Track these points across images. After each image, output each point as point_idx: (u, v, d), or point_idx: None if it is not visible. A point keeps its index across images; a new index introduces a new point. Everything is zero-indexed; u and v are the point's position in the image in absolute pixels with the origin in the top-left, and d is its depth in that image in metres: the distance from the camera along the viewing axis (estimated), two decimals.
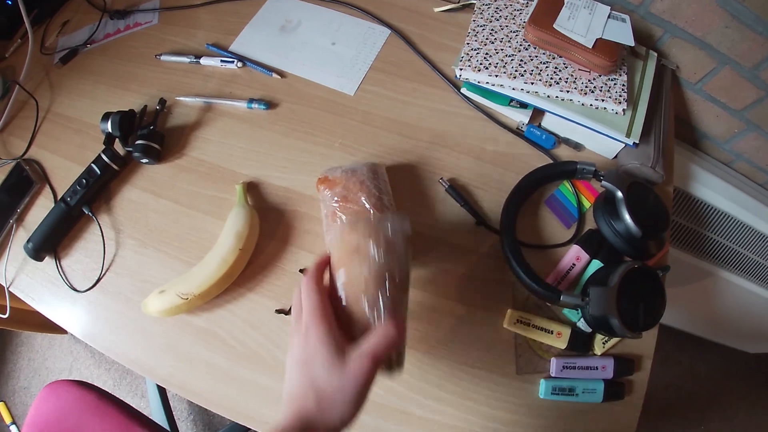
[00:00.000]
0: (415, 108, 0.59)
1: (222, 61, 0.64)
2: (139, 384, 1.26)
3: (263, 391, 0.49)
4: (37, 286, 0.59)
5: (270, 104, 0.60)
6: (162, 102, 0.59)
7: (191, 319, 0.53)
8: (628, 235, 0.48)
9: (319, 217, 0.54)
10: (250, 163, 0.58)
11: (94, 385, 0.73)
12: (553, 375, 0.49)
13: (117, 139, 0.62)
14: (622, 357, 0.50)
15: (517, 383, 0.49)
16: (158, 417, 1.07)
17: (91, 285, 0.57)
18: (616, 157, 0.56)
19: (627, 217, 0.47)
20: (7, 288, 0.61)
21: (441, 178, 0.54)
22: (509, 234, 0.51)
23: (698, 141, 0.62)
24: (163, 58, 0.68)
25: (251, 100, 0.60)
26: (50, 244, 0.60)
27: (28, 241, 0.59)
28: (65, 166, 0.66)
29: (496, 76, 0.54)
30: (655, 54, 0.58)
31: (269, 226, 0.54)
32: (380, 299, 0.35)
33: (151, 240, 0.57)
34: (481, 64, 0.55)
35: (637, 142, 0.53)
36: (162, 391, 1.08)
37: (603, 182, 0.50)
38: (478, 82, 0.56)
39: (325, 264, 0.39)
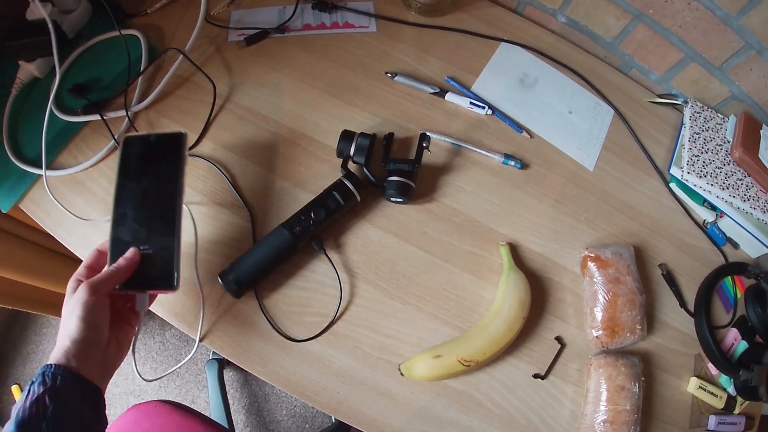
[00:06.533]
0: (637, 194, 0.66)
1: (471, 103, 0.61)
2: (189, 389, 1.13)
3: None
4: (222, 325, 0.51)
5: (523, 164, 0.60)
6: (427, 138, 0.55)
7: (449, 383, 0.53)
8: None
9: (570, 287, 0.58)
10: (506, 223, 0.58)
11: (193, 410, 0.64)
12: (710, 429, 0.63)
13: (351, 164, 0.56)
14: (748, 415, 0.66)
15: None
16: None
17: (316, 333, 0.51)
18: (757, 258, 0.72)
19: None
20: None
21: (660, 264, 0.63)
22: (705, 318, 0.63)
23: None
24: (397, 79, 0.61)
25: (507, 156, 0.60)
26: (256, 279, 0.52)
27: (229, 271, 0.50)
28: (263, 177, 0.57)
29: (712, 185, 0.64)
30: None
31: None
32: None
33: (399, 290, 0.54)
34: (701, 171, 0.65)
35: None
36: (226, 405, 0.97)
37: (761, 283, 0.65)
38: (695, 186, 0.65)
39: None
